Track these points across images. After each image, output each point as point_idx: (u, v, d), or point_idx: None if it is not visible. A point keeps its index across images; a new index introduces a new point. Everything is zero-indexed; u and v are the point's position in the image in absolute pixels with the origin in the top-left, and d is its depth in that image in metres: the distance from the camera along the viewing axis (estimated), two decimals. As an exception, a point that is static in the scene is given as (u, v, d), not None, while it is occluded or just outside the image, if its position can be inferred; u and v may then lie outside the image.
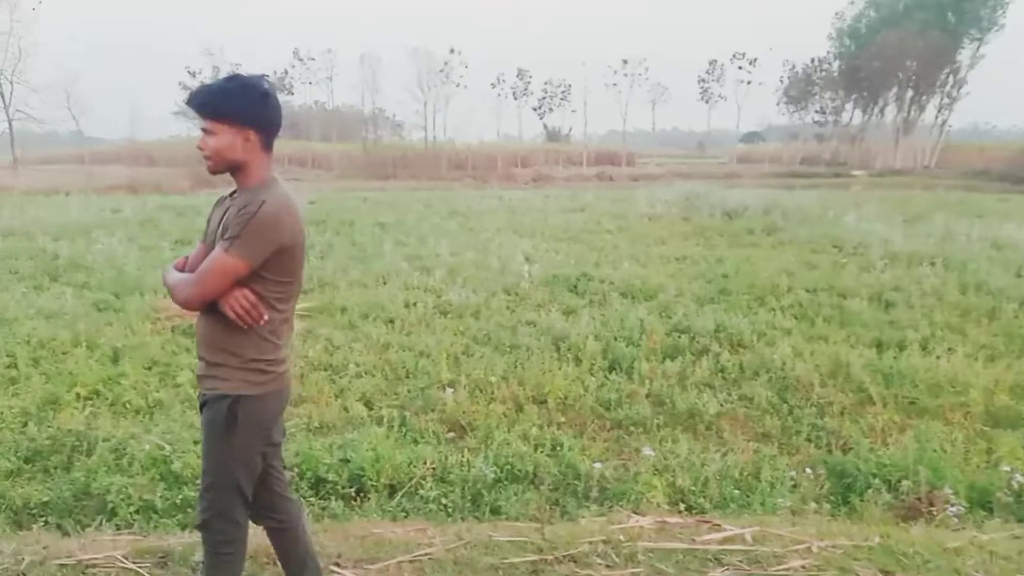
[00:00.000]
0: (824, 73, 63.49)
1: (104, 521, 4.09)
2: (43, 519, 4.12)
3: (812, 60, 63.86)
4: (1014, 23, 55.31)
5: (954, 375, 6.42)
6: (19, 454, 4.91)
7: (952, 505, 3.97)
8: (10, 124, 42.44)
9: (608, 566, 3.09)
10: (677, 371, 6.66)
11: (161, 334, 7.83)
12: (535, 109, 69.29)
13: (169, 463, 4.64)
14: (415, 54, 60.37)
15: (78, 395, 5.92)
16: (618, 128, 68.31)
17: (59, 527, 4.01)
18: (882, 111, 62.28)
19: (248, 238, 2.31)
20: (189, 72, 55.77)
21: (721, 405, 5.96)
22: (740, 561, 3.13)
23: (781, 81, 65.70)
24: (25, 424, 5.38)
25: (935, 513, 3.92)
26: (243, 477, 2.51)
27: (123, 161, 49.05)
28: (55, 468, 4.80)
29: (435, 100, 60.45)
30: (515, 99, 67.93)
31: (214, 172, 2.43)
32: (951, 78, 57.30)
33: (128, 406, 5.81)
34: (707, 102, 69.62)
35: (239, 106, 2.37)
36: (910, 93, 58.47)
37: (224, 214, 2.42)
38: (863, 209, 19.81)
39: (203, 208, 20.62)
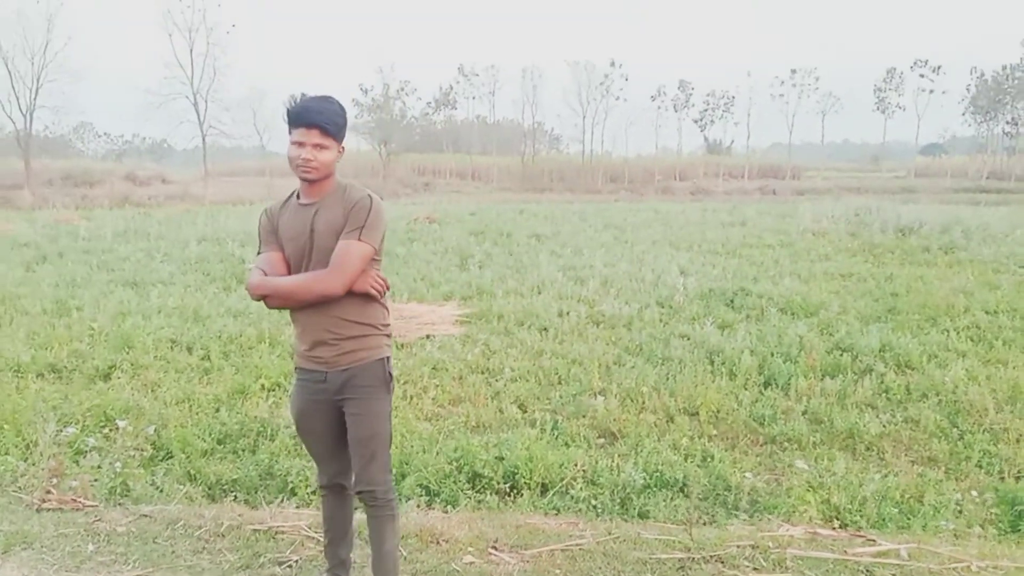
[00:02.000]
0: (1016, 81, 58.58)
1: (285, 499, 4.50)
2: (233, 494, 4.60)
3: (1003, 68, 59.12)
4: None
5: None
6: (212, 436, 5.48)
7: None
8: (203, 139, 46.47)
9: (755, 569, 3.12)
10: (837, 389, 6.47)
11: (334, 334, 8.41)
12: (696, 121, 68.16)
13: (341, 451, 5.04)
14: (576, 67, 60.97)
15: (263, 386, 6.52)
16: (783, 141, 66.05)
17: (247, 502, 4.47)
18: (1083, 122, 56.74)
19: (373, 226, 2.67)
20: (362, 89, 58.83)
21: (884, 426, 5.75)
22: (894, 575, 3.08)
23: (968, 90, 61.30)
24: (217, 410, 6.00)
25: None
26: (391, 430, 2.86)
27: (300, 175, 52.37)
28: (243, 450, 5.32)
29: (594, 113, 60.75)
30: (675, 111, 67.10)
31: (314, 181, 2.69)
32: None
33: (305, 398, 6.32)
34: (883, 112, 65.74)
35: (344, 126, 2.73)
36: (1117, 101, 52.97)
37: (315, 217, 2.68)
38: (1057, 227, 18.15)
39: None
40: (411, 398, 6.41)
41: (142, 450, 4.96)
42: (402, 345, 7.99)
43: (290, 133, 2.66)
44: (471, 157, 60.88)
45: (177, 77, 45.15)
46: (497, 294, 10.67)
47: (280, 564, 3.24)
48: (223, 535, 3.49)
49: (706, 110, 68.03)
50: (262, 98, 58.07)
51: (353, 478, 2.87)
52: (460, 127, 69.77)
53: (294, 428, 3.04)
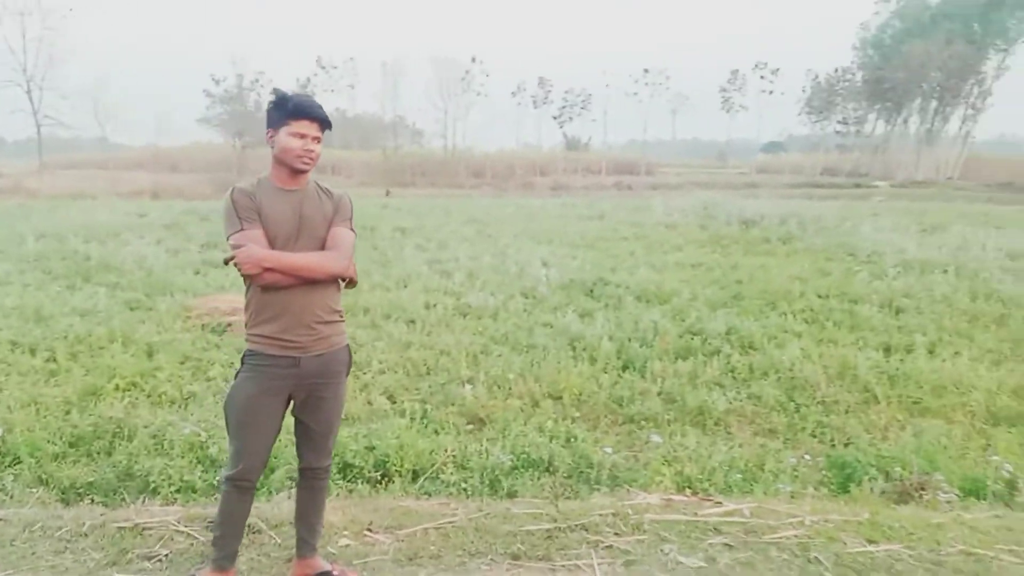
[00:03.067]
0: (847, 83, 63.23)
1: (146, 500, 4.37)
2: (89, 497, 4.41)
3: (835, 70, 63.68)
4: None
5: (959, 377, 6.61)
6: (64, 439, 5.20)
7: (944, 492, 4.19)
8: (38, 130, 43.34)
9: (616, 533, 3.36)
10: (688, 371, 6.89)
11: (191, 331, 8.15)
12: (555, 118, 69.49)
13: (206, 448, 4.95)
14: (436, 62, 60.96)
15: (117, 386, 6.24)
16: (638, 138, 68.73)
17: (105, 504, 4.30)
18: (905, 122, 61.93)
19: (352, 218, 2.98)
20: (214, 80, 56.25)
21: (730, 403, 6.18)
22: (738, 531, 3.40)
23: (803, 91, 65.51)
24: (68, 412, 5.69)
25: (925, 497, 4.15)
26: None
27: (146, 167, 49.87)
28: (98, 452, 5.09)
29: (455, 108, 60.89)
30: (535, 108, 68.19)
31: (308, 171, 2.88)
32: (976, 89, 56.91)
33: (164, 397, 6.11)
34: (728, 112, 69.50)
35: None
36: (934, 104, 58.23)
37: (300, 204, 2.85)
38: (881, 219, 19.92)
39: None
40: (277, 393, 6.32)
41: (-13, 454, 4.67)
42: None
43: (285, 124, 2.79)
44: (330, 151, 59.61)
45: (8, 64, 41.90)
46: (363, 288, 10.59)
47: (150, 559, 3.17)
48: (85, 534, 3.37)
49: (564, 107, 69.48)
50: (104, 87, 54.65)
51: (309, 458, 3.08)
52: (319, 120, 67.59)
53: (233, 418, 2.93)
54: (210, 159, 52.92)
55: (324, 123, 2.85)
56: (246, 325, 2.91)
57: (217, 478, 3.04)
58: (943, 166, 56.63)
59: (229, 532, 3.03)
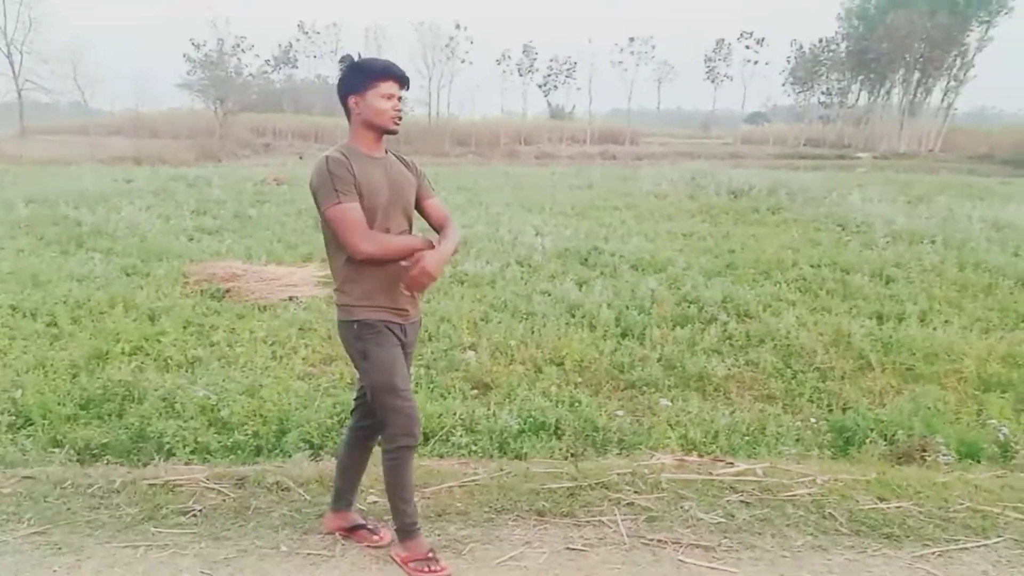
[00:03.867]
0: (831, 54, 63.28)
1: (162, 461, 4.42)
2: (105, 458, 4.46)
3: (820, 41, 63.72)
4: (1023, 7, 54.91)
5: (950, 345, 6.77)
6: (74, 401, 5.25)
7: (943, 454, 4.33)
8: (19, 94, 42.60)
9: (636, 492, 3.48)
10: (687, 338, 7.00)
11: (191, 297, 8.17)
12: (540, 86, 69.20)
13: (217, 411, 5.01)
14: (420, 28, 60.18)
15: (123, 350, 6.28)
16: (622, 107, 68.63)
17: (122, 465, 4.36)
18: (888, 93, 62.12)
19: None
20: (193, 44, 55.27)
21: (729, 369, 6.30)
22: (753, 489, 3.52)
23: (788, 62, 65.72)
24: (75, 375, 5.74)
25: (927, 458, 4.29)
26: None
27: (125, 133, 49.22)
28: (108, 415, 5.14)
29: (439, 76, 60.31)
30: (520, 76, 67.75)
31: (395, 134, 2.88)
32: (958, 61, 57.12)
33: (170, 361, 6.16)
34: (713, 82, 69.55)
35: None
36: (917, 75, 58.35)
37: (389, 171, 2.87)
38: (867, 190, 20.03)
39: (213, 179, 20.89)
40: (280, 358, 6.38)
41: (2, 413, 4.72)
42: (265, 308, 7.87)
43: (372, 87, 2.75)
44: (313, 118, 58.94)
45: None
46: (357, 255, 10.60)
47: (184, 514, 3.25)
48: (117, 491, 3.44)
49: (549, 75, 69.14)
50: (84, 50, 53.63)
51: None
52: (301, 87, 67.30)
53: (389, 386, 2.92)
54: (191, 125, 52.26)
55: (406, 83, 2.83)
56: (346, 296, 2.85)
57: (389, 453, 3.02)
58: (924, 138, 56.97)
59: (411, 497, 3.04)
